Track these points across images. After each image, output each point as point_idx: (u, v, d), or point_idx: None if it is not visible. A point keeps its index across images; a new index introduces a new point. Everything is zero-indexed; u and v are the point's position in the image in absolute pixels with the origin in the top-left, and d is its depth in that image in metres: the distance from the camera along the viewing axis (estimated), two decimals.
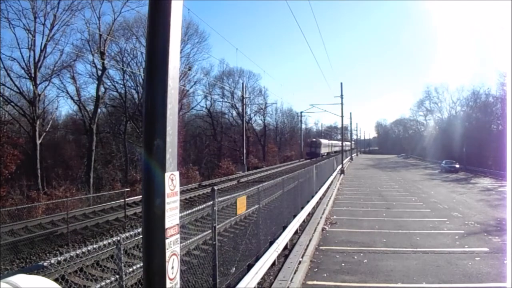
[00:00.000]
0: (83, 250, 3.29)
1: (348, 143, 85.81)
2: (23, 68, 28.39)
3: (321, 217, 12.71)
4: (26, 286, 1.51)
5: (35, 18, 27.53)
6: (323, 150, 66.02)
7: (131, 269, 6.04)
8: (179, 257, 2.10)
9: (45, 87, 31.38)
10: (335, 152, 71.73)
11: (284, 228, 9.36)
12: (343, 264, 7.94)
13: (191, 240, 7.78)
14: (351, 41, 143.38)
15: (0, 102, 29.26)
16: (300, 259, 7.95)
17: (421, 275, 7.19)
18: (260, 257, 6.82)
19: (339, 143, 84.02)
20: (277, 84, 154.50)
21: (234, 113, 56.62)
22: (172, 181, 2.02)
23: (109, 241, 3.61)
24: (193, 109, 51.66)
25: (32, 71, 28.33)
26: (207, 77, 50.84)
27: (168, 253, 1.98)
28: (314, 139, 67.82)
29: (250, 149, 51.06)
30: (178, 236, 2.09)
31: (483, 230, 11.35)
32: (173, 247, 2.03)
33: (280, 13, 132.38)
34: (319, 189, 18.34)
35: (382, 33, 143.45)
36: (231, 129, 55.25)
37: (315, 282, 6.95)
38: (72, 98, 35.83)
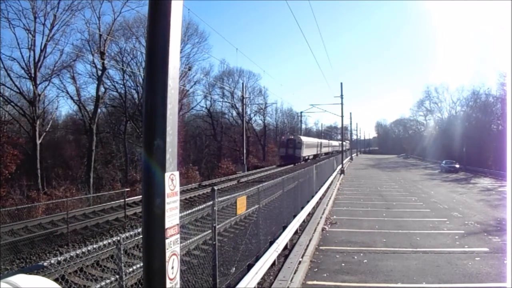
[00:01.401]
0: (83, 250, 3.29)
1: (344, 143, 76.32)
2: (23, 68, 28.45)
3: (321, 217, 12.70)
4: (26, 286, 1.51)
5: (35, 18, 27.56)
6: (306, 152, 49.32)
7: (131, 269, 6.04)
8: (179, 257, 2.10)
9: (45, 87, 31.48)
10: (326, 154, 63.27)
11: (284, 228, 9.36)
12: (343, 264, 7.94)
13: (191, 240, 7.77)
14: (351, 41, 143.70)
15: (0, 102, 29.27)
16: (300, 259, 7.95)
17: (421, 275, 7.19)
18: (260, 257, 6.82)
19: (332, 142, 77.32)
20: (277, 84, 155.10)
21: (234, 113, 56.72)
22: (172, 181, 2.02)
23: (109, 241, 3.61)
24: (193, 109, 51.80)
25: (32, 71, 28.34)
26: (207, 77, 50.91)
27: (168, 253, 1.98)
28: (291, 137, 48.64)
29: (250, 149, 51.05)
30: (178, 236, 2.10)
31: (483, 230, 11.34)
32: (173, 247, 2.03)
33: (280, 13, 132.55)
34: (319, 189, 18.34)
35: (382, 33, 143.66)
36: (231, 129, 55.23)
37: (315, 282, 6.95)
38: (72, 98, 35.93)
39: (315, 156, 55.72)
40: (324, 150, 64.45)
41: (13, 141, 26.13)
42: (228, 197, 6.39)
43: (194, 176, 32.33)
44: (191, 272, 5.53)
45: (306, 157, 49.72)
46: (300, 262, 7.79)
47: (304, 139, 50.49)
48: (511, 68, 2.82)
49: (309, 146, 51.83)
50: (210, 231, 6.48)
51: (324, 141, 69.40)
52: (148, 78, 2.01)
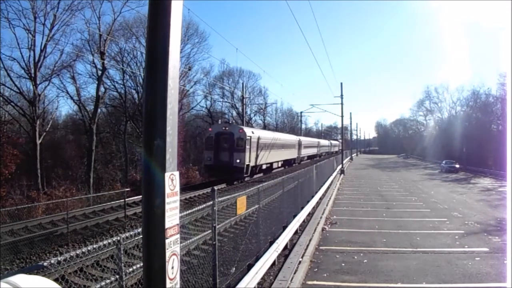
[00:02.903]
0: (83, 250, 3.28)
1: (337, 142, 64.59)
2: (23, 68, 28.41)
3: (321, 217, 12.70)
4: (26, 286, 1.51)
5: (35, 18, 27.52)
6: (259, 159, 26.90)
7: (131, 269, 6.04)
8: (179, 257, 2.10)
9: (45, 87, 31.43)
10: (311, 157, 49.28)
11: (284, 228, 9.36)
12: (343, 264, 7.94)
13: (191, 240, 7.76)
14: (351, 41, 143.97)
15: (0, 102, 29.27)
16: (300, 259, 7.95)
17: (421, 275, 7.19)
18: (260, 257, 6.82)
19: (321, 141, 65.39)
20: (277, 84, 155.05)
21: (234, 113, 56.64)
22: (172, 181, 2.02)
23: (109, 241, 3.61)
24: (193, 109, 51.77)
25: (32, 71, 28.31)
26: (207, 77, 50.90)
27: (168, 253, 1.98)
28: (225, 128, 25.37)
29: None
30: (178, 236, 2.09)
31: (483, 230, 11.35)
32: (173, 247, 2.03)
33: (280, 13, 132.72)
34: (319, 189, 18.33)
35: (382, 33, 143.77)
36: None
37: (315, 282, 6.95)
38: (72, 98, 35.88)
39: (288, 162, 34.92)
40: (306, 152, 45.23)
41: (13, 141, 26.07)
42: (228, 197, 6.39)
43: (194, 176, 32.33)
44: (191, 272, 5.53)
45: (264, 167, 28.33)
46: (300, 262, 7.79)
47: (254, 132, 26.84)
48: (511, 68, 2.82)
49: (265, 147, 28.01)
50: (210, 231, 6.48)
51: (306, 140, 47.90)
52: (148, 78, 2.02)
